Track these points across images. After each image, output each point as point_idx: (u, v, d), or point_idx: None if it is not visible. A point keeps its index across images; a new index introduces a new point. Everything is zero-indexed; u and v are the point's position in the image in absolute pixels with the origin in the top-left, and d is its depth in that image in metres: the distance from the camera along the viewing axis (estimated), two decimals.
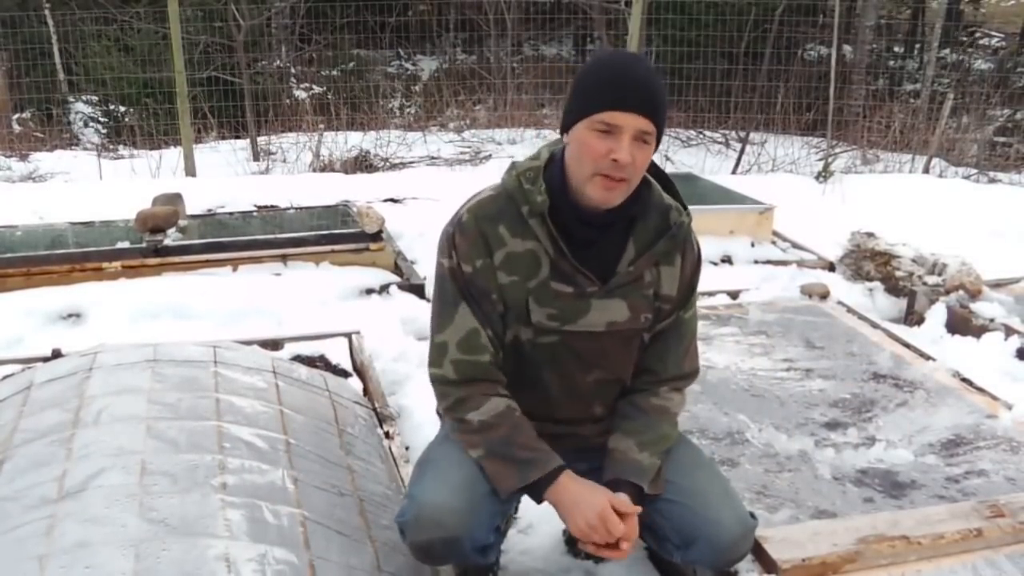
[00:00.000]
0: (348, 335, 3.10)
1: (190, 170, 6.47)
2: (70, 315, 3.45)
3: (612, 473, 1.73)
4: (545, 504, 1.72)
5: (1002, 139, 8.18)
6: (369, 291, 3.78)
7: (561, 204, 1.68)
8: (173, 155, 6.83)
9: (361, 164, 7.14)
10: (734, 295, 3.68)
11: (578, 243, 1.70)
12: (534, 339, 1.75)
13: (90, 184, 6.04)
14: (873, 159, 7.46)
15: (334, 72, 9.81)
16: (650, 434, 1.77)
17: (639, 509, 1.67)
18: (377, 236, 4.08)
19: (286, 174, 6.84)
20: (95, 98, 9.39)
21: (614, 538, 1.62)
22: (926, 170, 7.11)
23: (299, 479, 1.96)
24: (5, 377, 2.61)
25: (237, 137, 8.07)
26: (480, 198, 1.76)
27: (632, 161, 1.60)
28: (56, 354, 2.74)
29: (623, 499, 1.67)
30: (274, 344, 3.00)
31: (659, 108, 1.61)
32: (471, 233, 1.71)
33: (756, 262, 4.34)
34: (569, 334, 1.74)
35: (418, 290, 3.72)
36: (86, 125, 9.34)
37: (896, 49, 11.49)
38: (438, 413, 1.91)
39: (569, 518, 1.66)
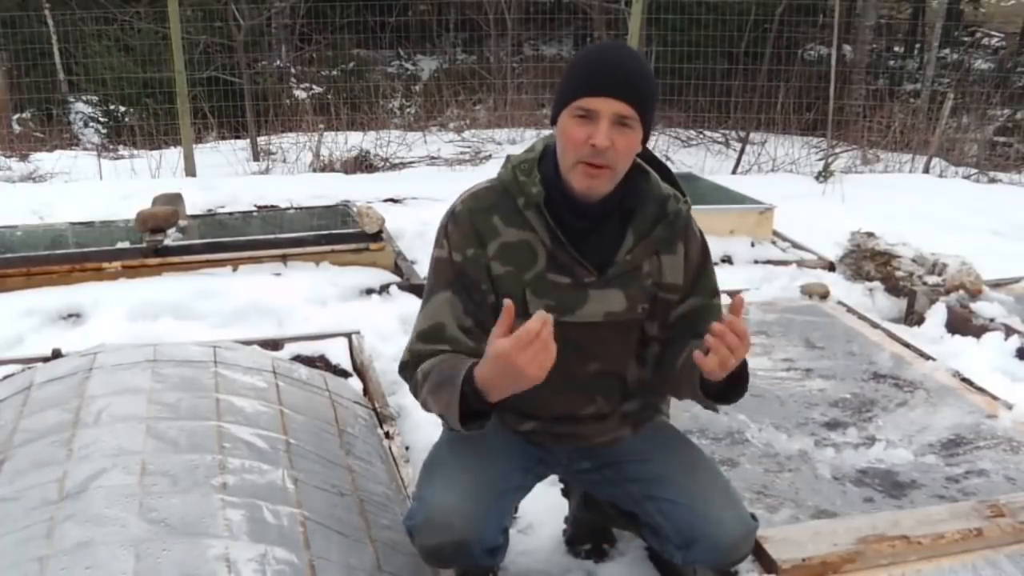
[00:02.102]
0: (348, 335, 3.10)
1: (190, 170, 6.48)
2: (70, 315, 3.45)
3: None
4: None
5: (1002, 139, 8.19)
6: (369, 291, 3.78)
7: (556, 195, 1.68)
8: (173, 155, 6.83)
9: (361, 164, 7.14)
10: (734, 295, 3.67)
11: (575, 233, 1.69)
12: None
13: (90, 184, 6.04)
14: (873, 159, 7.47)
15: (334, 72, 9.82)
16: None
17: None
18: (377, 236, 4.09)
19: (286, 174, 6.84)
20: (95, 98, 9.39)
21: (545, 343, 1.43)
22: (926, 170, 7.12)
23: (299, 479, 1.96)
24: (5, 377, 2.61)
25: (237, 137, 8.07)
26: (475, 190, 1.76)
27: (612, 145, 1.58)
28: (56, 354, 2.74)
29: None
30: (274, 344, 3.00)
31: (638, 91, 1.59)
32: (464, 223, 1.71)
33: (756, 262, 4.34)
34: (567, 325, 1.72)
35: (418, 290, 3.72)
36: (86, 125, 9.35)
37: (896, 49, 11.51)
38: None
39: (508, 376, 1.48)
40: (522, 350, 1.41)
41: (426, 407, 1.66)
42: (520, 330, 1.42)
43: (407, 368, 1.72)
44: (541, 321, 1.41)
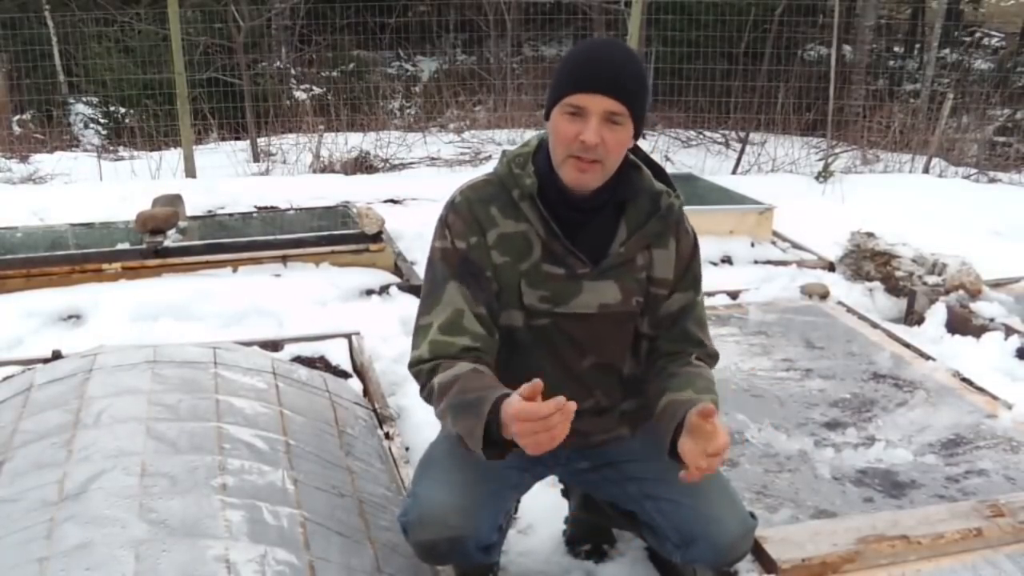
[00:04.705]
0: (348, 336, 3.11)
1: (190, 171, 6.48)
2: (70, 316, 3.45)
3: (683, 413, 1.58)
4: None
5: (1002, 139, 8.17)
6: (369, 292, 3.79)
7: (550, 188, 1.70)
8: (173, 156, 6.83)
9: (361, 165, 7.14)
10: (734, 295, 3.68)
11: (569, 225, 1.71)
12: (527, 322, 1.74)
13: (90, 185, 6.04)
14: (873, 159, 7.46)
15: (334, 73, 9.81)
16: (701, 381, 1.70)
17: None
18: (377, 237, 4.09)
19: (286, 175, 6.84)
20: (95, 99, 9.38)
21: (550, 427, 1.39)
22: (926, 170, 7.11)
23: (299, 480, 1.96)
24: (5, 378, 2.61)
25: (237, 138, 8.07)
26: (473, 182, 1.78)
27: (602, 142, 1.59)
28: (56, 355, 2.74)
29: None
30: (274, 345, 3.00)
31: (628, 88, 1.60)
32: (464, 213, 1.72)
33: (756, 262, 4.34)
34: (561, 316, 1.73)
35: (418, 291, 3.68)
36: (86, 126, 9.34)
37: (896, 49, 11.50)
38: None
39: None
40: (526, 425, 1.39)
41: (441, 419, 1.65)
42: (531, 408, 1.38)
43: (422, 364, 1.66)
44: (555, 406, 1.37)
